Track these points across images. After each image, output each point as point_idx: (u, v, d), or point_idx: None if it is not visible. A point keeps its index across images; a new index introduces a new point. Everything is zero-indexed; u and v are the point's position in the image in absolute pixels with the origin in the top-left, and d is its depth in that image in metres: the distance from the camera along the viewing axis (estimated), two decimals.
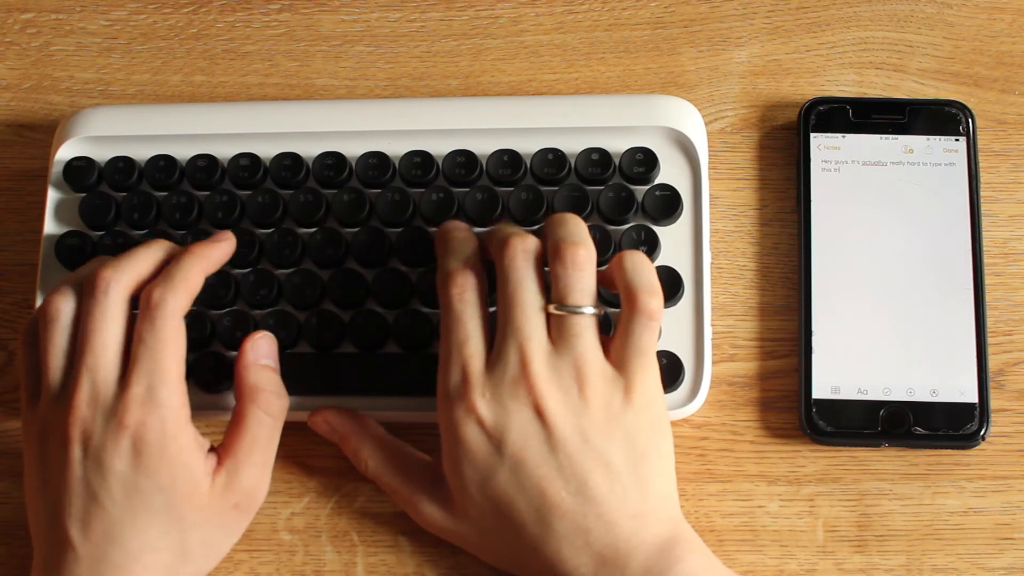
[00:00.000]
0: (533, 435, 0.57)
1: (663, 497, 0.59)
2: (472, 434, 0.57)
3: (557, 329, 0.58)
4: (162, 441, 0.57)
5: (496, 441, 0.57)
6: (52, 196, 0.68)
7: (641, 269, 0.59)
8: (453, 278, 0.59)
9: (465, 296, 0.59)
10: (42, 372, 0.59)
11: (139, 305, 0.58)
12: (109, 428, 0.57)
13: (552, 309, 0.58)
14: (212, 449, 0.60)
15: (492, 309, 0.60)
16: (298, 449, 0.65)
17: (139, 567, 0.57)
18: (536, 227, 0.64)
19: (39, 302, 0.65)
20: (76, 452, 0.57)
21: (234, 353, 0.62)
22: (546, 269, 0.59)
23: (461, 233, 0.62)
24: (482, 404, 0.57)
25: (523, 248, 0.59)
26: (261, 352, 0.61)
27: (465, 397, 0.57)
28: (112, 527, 0.57)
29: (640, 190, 0.65)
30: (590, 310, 0.58)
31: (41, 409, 0.59)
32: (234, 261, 0.64)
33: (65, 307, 0.59)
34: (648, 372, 0.58)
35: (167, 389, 0.57)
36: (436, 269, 0.61)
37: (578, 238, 0.58)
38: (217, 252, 0.61)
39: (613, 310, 0.62)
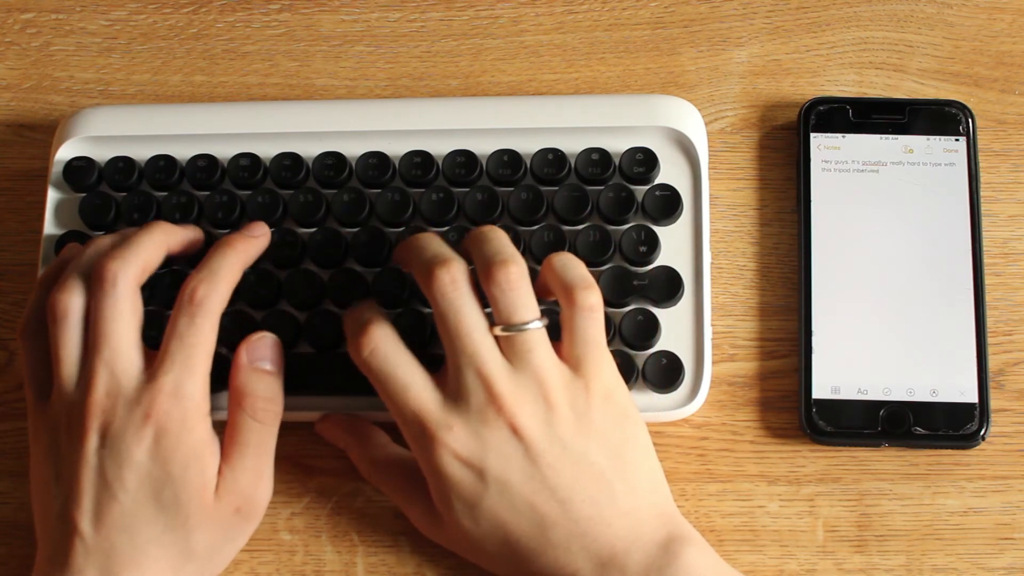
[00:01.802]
0: (512, 455, 0.57)
1: (651, 489, 0.59)
2: (452, 468, 0.57)
3: (509, 348, 0.57)
4: (181, 432, 0.57)
5: (477, 470, 0.57)
6: (52, 196, 0.68)
7: (570, 267, 0.59)
8: (360, 339, 0.58)
9: (377, 353, 0.58)
10: (54, 367, 0.59)
11: (179, 298, 0.59)
12: (132, 418, 0.57)
13: (499, 332, 0.57)
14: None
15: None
16: (298, 449, 0.65)
17: (147, 560, 0.57)
18: (536, 227, 0.65)
19: None
20: (92, 442, 0.57)
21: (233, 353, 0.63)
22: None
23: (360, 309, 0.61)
24: (454, 438, 0.57)
25: (450, 279, 0.57)
26: (257, 354, 0.61)
27: (434, 437, 0.57)
28: (123, 517, 0.57)
29: (640, 190, 0.65)
30: (537, 324, 0.58)
31: (53, 403, 0.59)
32: None
33: (74, 302, 0.59)
34: (602, 364, 0.58)
35: (194, 383, 0.58)
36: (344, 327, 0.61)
37: (505, 255, 0.58)
38: (256, 247, 0.62)
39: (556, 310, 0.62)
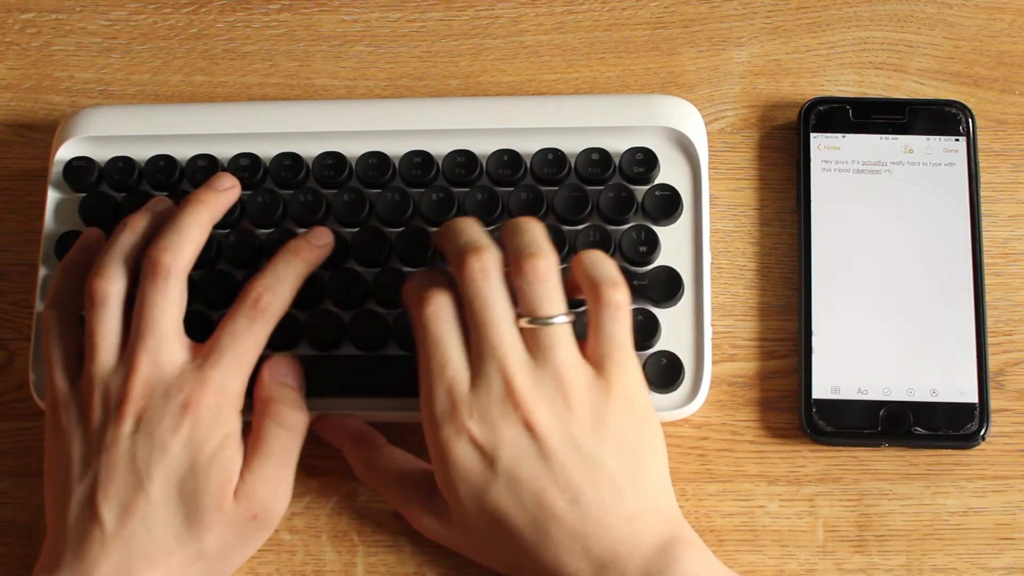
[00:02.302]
0: (525, 449, 0.57)
1: (658, 494, 0.58)
2: (464, 452, 0.57)
3: (533, 341, 0.57)
4: (215, 424, 0.57)
5: (488, 457, 0.57)
6: (52, 196, 0.68)
7: (600, 264, 0.59)
8: (430, 294, 0.59)
9: (441, 315, 0.58)
10: (88, 351, 0.59)
11: (241, 298, 0.59)
12: (170, 406, 0.57)
13: (524, 324, 0.57)
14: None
15: None
16: None
17: (161, 553, 0.57)
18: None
19: (39, 302, 0.65)
20: (127, 427, 0.57)
21: None
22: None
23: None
24: (471, 423, 0.57)
25: (481, 267, 0.58)
26: (279, 372, 0.61)
27: (454, 417, 0.57)
28: (147, 507, 0.57)
29: (640, 190, 0.65)
30: (562, 319, 0.57)
31: (83, 387, 0.59)
32: (234, 261, 0.64)
33: (114, 288, 0.59)
34: (627, 366, 0.58)
35: (238, 382, 0.58)
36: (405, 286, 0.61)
37: (535, 248, 0.58)
38: (319, 256, 0.63)
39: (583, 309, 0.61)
